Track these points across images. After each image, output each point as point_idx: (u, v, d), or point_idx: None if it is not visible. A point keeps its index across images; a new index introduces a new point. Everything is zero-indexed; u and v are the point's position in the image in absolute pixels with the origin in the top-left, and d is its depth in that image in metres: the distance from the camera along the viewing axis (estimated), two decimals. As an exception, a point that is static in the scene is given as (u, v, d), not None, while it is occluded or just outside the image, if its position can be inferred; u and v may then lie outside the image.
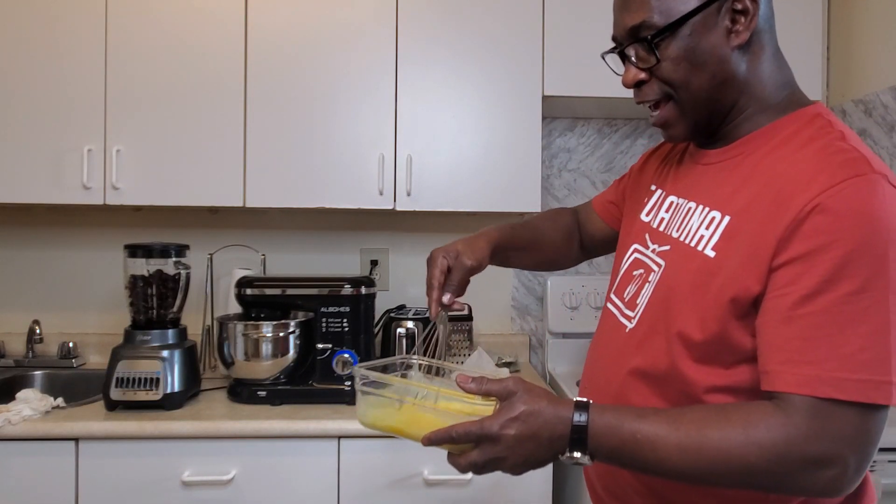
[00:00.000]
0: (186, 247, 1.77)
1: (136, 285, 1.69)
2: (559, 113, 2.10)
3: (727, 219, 0.79)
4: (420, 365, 0.97)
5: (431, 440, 0.78)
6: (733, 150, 0.84)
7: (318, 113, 1.80)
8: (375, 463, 1.54)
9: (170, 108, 1.77)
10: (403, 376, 0.95)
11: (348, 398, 1.65)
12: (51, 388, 1.86)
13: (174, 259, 1.73)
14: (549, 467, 1.57)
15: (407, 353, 1.81)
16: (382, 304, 1.97)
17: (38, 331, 1.97)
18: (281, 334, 1.66)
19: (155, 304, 1.70)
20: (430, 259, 1.09)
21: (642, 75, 0.84)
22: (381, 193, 1.80)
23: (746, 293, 0.74)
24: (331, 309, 1.68)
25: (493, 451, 0.76)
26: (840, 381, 0.67)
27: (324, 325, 1.68)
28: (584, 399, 0.76)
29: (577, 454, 0.74)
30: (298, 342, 1.67)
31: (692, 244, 0.82)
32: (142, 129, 1.77)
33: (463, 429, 0.76)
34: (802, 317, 0.69)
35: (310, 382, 1.68)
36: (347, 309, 1.68)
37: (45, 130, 1.75)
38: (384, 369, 0.92)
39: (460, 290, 1.06)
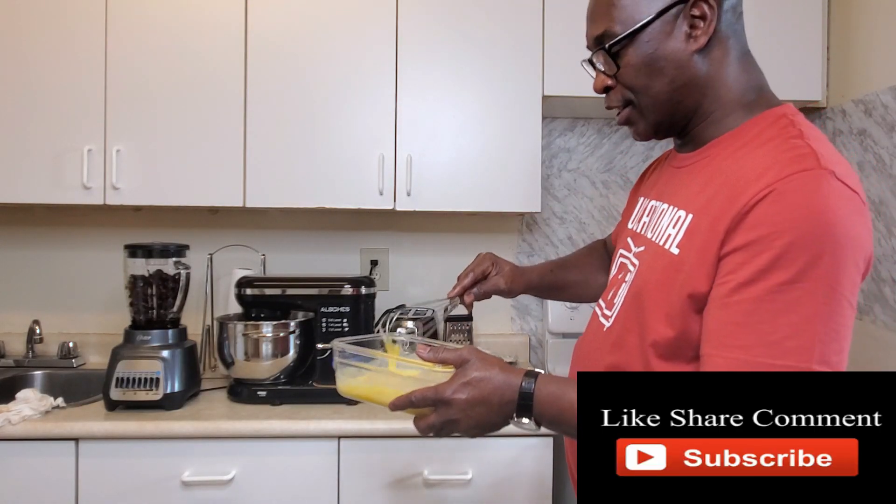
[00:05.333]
0: (186, 247, 1.77)
1: (136, 285, 1.69)
2: (559, 113, 2.10)
3: (690, 217, 0.82)
4: (400, 341, 1.06)
5: (395, 405, 0.85)
6: (703, 153, 0.87)
7: (318, 113, 1.80)
8: (375, 463, 1.54)
9: (170, 107, 1.78)
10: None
11: (348, 398, 1.65)
12: (51, 388, 1.86)
13: (174, 259, 1.73)
14: (550, 467, 1.57)
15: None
16: (382, 304, 1.97)
17: (38, 331, 1.97)
18: (281, 334, 1.66)
19: (155, 304, 1.70)
20: (481, 257, 1.21)
21: (609, 82, 0.89)
22: (381, 193, 1.80)
23: (701, 288, 0.77)
24: (331, 309, 1.68)
25: (448, 414, 0.82)
26: (764, 365, 0.70)
27: (324, 325, 1.68)
28: (535, 369, 0.83)
29: (524, 420, 0.81)
30: (298, 342, 1.67)
31: (661, 243, 0.85)
32: (142, 129, 1.77)
33: (420, 394, 0.83)
34: (737, 303, 0.72)
35: (310, 382, 1.68)
36: (347, 309, 1.68)
37: (45, 130, 1.75)
38: (364, 345, 0.99)
39: (481, 297, 1.19)
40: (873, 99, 1.70)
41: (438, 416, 0.83)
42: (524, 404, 0.80)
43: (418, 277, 2.13)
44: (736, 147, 0.82)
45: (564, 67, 1.80)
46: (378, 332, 1.20)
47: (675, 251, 0.82)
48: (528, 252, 2.17)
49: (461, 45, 1.82)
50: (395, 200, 1.81)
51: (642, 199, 1.00)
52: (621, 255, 0.97)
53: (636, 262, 0.91)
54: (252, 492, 1.52)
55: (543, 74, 1.82)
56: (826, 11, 1.90)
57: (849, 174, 0.74)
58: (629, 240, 0.97)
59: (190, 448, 1.51)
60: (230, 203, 1.79)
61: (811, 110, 1.98)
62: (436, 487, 1.54)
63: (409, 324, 1.88)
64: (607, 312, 0.94)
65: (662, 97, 0.86)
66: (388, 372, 0.93)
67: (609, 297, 0.95)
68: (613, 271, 0.99)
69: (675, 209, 0.85)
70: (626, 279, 0.91)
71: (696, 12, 0.82)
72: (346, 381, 0.98)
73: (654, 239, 0.88)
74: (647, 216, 0.94)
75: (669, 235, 0.84)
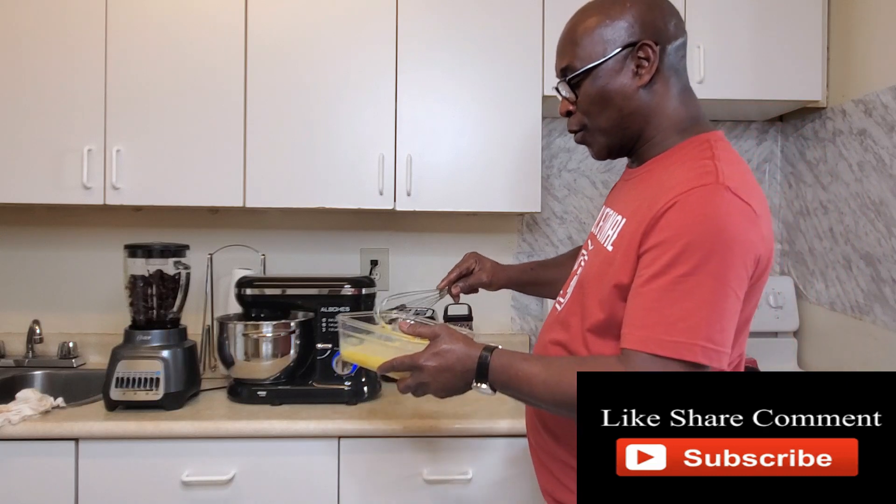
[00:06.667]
0: (186, 247, 1.77)
1: (136, 285, 1.69)
2: (559, 113, 2.10)
3: (624, 220, 0.98)
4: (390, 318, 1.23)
5: (381, 368, 1.05)
6: (643, 169, 1.04)
7: (318, 113, 1.80)
8: (375, 463, 1.54)
9: (170, 107, 1.78)
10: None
11: (348, 398, 1.66)
12: (51, 388, 1.87)
13: (174, 259, 1.73)
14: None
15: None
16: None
17: (38, 331, 1.97)
18: (281, 334, 1.66)
19: (155, 304, 1.70)
20: (466, 256, 1.45)
21: (570, 107, 1.07)
22: (381, 193, 1.80)
23: (625, 279, 0.93)
24: (331, 309, 1.68)
25: (420, 378, 1.01)
26: (662, 341, 0.86)
27: (324, 325, 1.68)
28: (493, 344, 1.00)
29: (482, 385, 0.98)
30: (298, 342, 1.67)
31: (602, 242, 1.03)
32: (142, 129, 1.77)
33: (400, 360, 1.03)
34: (647, 292, 0.88)
35: (310, 382, 1.68)
36: (348, 309, 1.68)
37: (45, 130, 1.75)
38: (365, 319, 1.18)
39: (468, 290, 1.43)
40: (873, 99, 1.70)
41: (413, 379, 1.02)
42: (482, 372, 0.98)
43: (418, 277, 2.13)
44: (666, 165, 0.98)
45: (564, 67, 1.80)
46: (376, 311, 1.37)
47: (610, 248, 0.98)
48: (529, 252, 2.17)
49: (461, 45, 1.82)
50: (395, 200, 1.81)
51: (604, 206, 1.16)
52: (581, 254, 1.14)
53: (586, 258, 1.09)
54: (252, 492, 1.52)
55: (543, 74, 1.82)
56: (826, 11, 1.90)
57: (745, 188, 0.88)
58: (588, 241, 1.13)
59: (190, 448, 1.51)
60: (230, 203, 1.79)
61: (811, 110, 1.98)
62: (436, 487, 1.54)
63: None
64: (561, 299, 1.12)
65: (612, 123, 1.03)
66: (377, 342, 1.12)
67: (565, 287, 1.13)
68: (574, 267, 1.16)
69: (616, 214, 1.02)
70: (578, 272, 1.09)
71: (641, 54, 0.99)
72: (347, 348, 1.17)
73: (600, 239, 1.05)
74: (602, 221, 1.10)
75: (608, 236, 1.01)
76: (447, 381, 1.00)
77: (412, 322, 1.08)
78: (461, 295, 1.42)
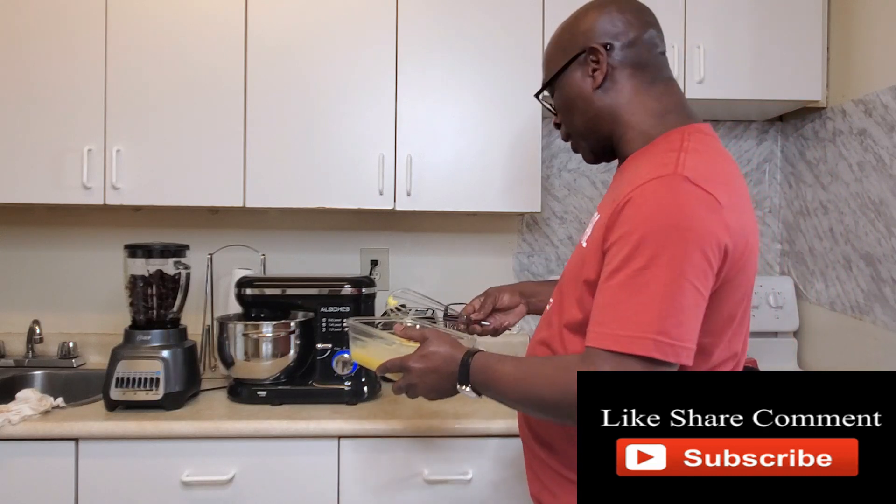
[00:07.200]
0: (186, 247, 1.77)
1: (136, 285, 1.69)
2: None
3: (598, 217, 0.99)
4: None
5: (378, 370, 1.10)
6: (622, 166, 1.04)
7: (318, 113, 1.80)
8: (375, 463, 1.54)
9: (170, 108, 1.78)
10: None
11: (348, 398, 1.66)
12: (51, 388, 1.86)
13: (174, 259, 1.73)
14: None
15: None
16: (382, 304, 1.97)
17: (38, 331, 1.97)
18: (281, 334, 1.66)
19: (155, 304, 1.70)
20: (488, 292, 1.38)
21: (556, 119, 1.11)
22: (381, 193, 1.80)
23: (593, 275, 0.93)
24: (331, 309, 1.68)
25: (409, 379, 1.05)
26: (618, 336, 0.84)
27: (324, 325, 1.68)
28: (476, 348, 1.03)
29: (465, 388, 1.00)
30: (298, 342, 1.67)
31: (581, 240, 1.03)
32: (142, 129, 1.77)
33: (391, 362, 1.07)
34: (607, 288, 0.88)
35: (310, 382, 1.68)
36: (348, 309, 1.68)
37: (45, 130, 1.75)
38: (371, 325, 1.23)
39: (490, 328, 1.37)
40: (873, 99, 1.70)
41: (403, 380, 1.06)
42: (464, 374, 1.00)
43: (418, 277, 2.13)
44: (638, 161, 0.98)
45: (564, 67, 1.80)
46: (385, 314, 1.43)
47: (584, 245, 0.99)
48: (528, 252, 2.17)
49: (461, 45, 1.82)
50: (395, 200, 1.81)
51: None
52: None
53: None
54: (252, 492, 1.52)
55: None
56: (826, 11, 1.90)
57: (708, 178, 0.87)
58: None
59: (190, 448, 1.51)
60: (230, 203, 1.79)
61: (811, 110, 1.98)
62: (436, 487, 1.54)
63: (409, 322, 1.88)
64: (551, 300, 1.13)
65: (584, 128, 1.06)
66: (378, 345, 1.17)
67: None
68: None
69: (597, 213, 1.03)
70: (563, 272, 1.11)
71: (592, 57, 1.01)
72: (354, 350, 1.23)
73: (581, 238, 1.06)
74: (590, 220, 1.10)
75: (586, 233, 1.02)
76: (434, 383, 1.03)
77: (405, 325, 1.13)
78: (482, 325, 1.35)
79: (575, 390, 0.79)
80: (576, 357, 0.91)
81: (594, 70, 1.01)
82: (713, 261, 0.85)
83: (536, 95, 1.13)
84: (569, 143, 1.12)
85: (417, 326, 1.23)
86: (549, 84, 1.08)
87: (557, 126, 1.12)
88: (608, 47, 1.00)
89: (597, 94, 1.02)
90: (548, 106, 1.13)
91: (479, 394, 1.00)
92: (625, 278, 0.85)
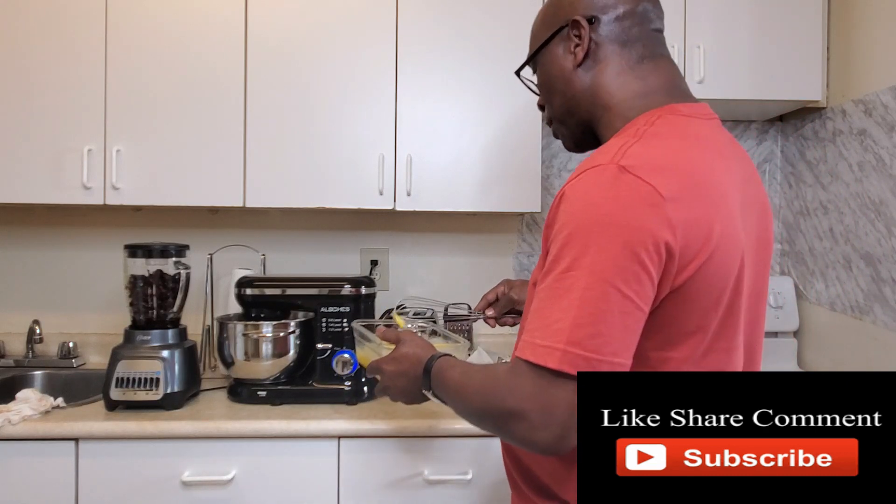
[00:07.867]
0: (186, 247, 1.77)
1: (136, 285, 1.69)
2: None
3: None
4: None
5: (366, 370, 1.11)
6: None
7: (318, 113, 1.80)
8: (375, 463, 1.54)
9: (170, 108, 1.78)
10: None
11: (348, 398, 1.66)
12: (51, 388, 1.86)
13: (174, 259, 1.73)
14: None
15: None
16: (382, 304, 1.97)
17: (38, 331, 1.97)
18: (281, 334, 1.66)
19: (155, 304, 1.70)
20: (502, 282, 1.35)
21: (539, 100, 1.02)
22: (381, 193, 1.80)
23: (538, 278, 0.84)
24: (331, 309, 1.68)
25: (383, 381, 1.04)
26: (535, 346, 0.76)
27: (324, 325, 1.68)
28: (443, 353, 0.97)
29: (429, 392, 0.96)
30: (298, 342, 1.67)
31: None
32: (142, 129, 1.77)
33: (371, 364, 1.07)
34: (538, 293, 0.79)
35: (310, 382, 1.68)
36: (347, 309, 1.68)
37: (45, 130, 1.75)
38: (371, 327, 1.25)
39: (504, 317, 1.34)
40: (873, 99, 1.70)
41: (380, 382, 1.05)
42: (426, 378, 0.95)
43: (418, 277, 2.13)
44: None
45: (564, 67, 1.80)
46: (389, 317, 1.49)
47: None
48: (528, 252, 2.17)
49: (461, 45, 1.82)
50: (395, 200, 1.81)
51: None
52: None
53: None
54: (252, 492, 1.52)
55: (543, 74, 1.82)
56: (826, 11, 1.90)
57: (652, 168, 0.75)
58: None
59: (190, 448, 1.51)
60: (230, 203, 1.79)
61: (811, 110, 1.98)
62: (436, 487, 1.54)
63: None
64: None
65: (562, 110, 0.95)
66: (372, 346, 1.18)
67: None
68: None
69: None
70: None
71: (574, 32, 0.91)
72: (357, 352, 1.28)
73: None
74: None
75: None
76: (404, 386, 1.00)
77: (383, 327, 1.12)
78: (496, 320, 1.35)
79: (497, 402, 0.78)
80: (506, 367, 0.82)
81: (576, 46, 0.91)
82: (648, 262, 0.73)
83: (517, 73, 1.02)
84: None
85: (414, 327, 1.23)
86: (530, 60, 0.99)
87: (542, 108, 1.02)
88: (592, 21, 0.90)
89: (577, 73, 0.91)
90: (529, 85, 1.03)
91: (443, 400, 0.94)
92: (551, 281, 0.77)
